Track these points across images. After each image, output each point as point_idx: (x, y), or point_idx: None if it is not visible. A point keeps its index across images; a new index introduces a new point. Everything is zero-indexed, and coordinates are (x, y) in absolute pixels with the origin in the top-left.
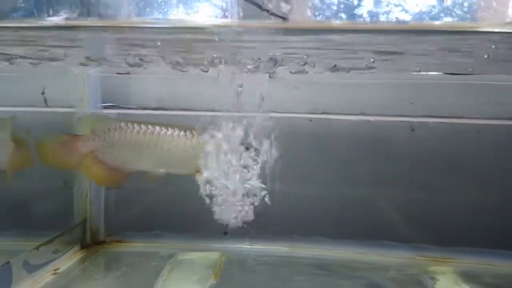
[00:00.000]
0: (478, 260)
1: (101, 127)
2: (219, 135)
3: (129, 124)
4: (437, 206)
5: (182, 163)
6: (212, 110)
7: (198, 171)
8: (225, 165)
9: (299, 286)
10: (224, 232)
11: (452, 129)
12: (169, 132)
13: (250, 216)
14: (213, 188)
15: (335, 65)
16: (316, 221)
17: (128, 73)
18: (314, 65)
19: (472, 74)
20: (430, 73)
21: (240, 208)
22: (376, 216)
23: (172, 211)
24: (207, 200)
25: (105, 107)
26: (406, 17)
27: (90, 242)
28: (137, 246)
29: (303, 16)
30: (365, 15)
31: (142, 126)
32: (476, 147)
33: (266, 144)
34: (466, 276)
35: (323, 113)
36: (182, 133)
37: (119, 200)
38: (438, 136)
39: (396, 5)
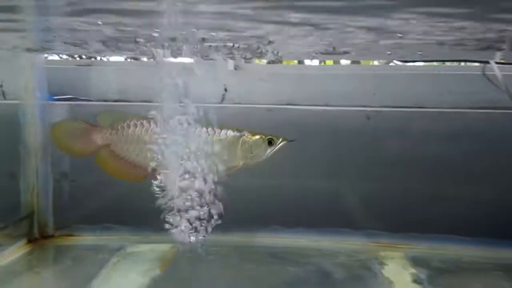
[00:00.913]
0: (429, 246)
1: (120, 122)
2: (177, 125)
3: (151, 122)
4: (390, 194)
5: (206, 160)
6: (173, 101)
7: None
8: (178, 158)
9: (248, 274)
10: (177, 224)
11: (410, 117)
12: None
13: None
14: (166, 181)
15: None
16: (271, 211)
17: (89, 65)
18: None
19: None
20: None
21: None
22: (330, 204)
23: (124, 204)
24: (160, 193)
25: (65, 99)
26: None
27: (38, 236)
28: (86, 239)
29: None
30: None
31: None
32: (430, 135)
33: None
34: (415, 261)
35: (287, 104)
36: (203, 129)
37: (69, 194)
38: (395, 124)
39: None
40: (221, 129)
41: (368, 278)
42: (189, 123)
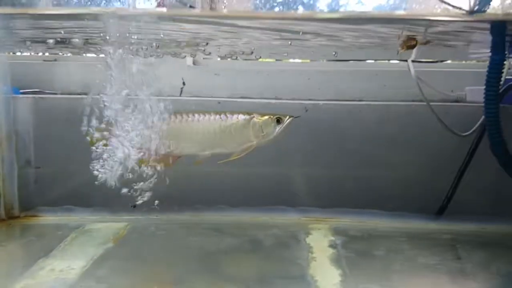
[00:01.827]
0: (351, 219)
1: None
2: (135, 116)
3: (171, 115)
4: (321, 176)
5: (223, 142)
6: (136, 94)
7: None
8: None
9: (189, 243)
10: (132, 205)
11: (346, 110)
12: (206, 118)
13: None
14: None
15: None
16: (218, 192)
17: (55, 60)
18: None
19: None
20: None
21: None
22: (272, 186)
23: (84, 187)
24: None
25: (30, 92)
26: None
27: (5, 217)
28: (48, 219)
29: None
30: None
31: (183, 115)
32: (360, 124)
33: None
34: (336, 231)
35: (241, 97)
36: (217, 116)
37: (33, 179)
38: (329, 116)
39: None
40: (233, 114)
41: (293, 244)
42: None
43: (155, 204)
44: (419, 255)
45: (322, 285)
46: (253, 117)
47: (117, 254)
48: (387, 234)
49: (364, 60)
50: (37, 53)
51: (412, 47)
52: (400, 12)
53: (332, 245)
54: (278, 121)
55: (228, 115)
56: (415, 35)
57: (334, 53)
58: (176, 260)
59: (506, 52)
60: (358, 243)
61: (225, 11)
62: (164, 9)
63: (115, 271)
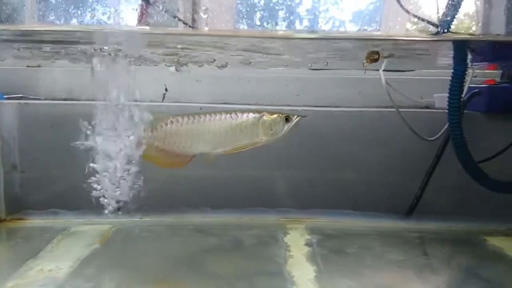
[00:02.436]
0: (327, 219)
1: (158, 122)
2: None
3: (184, 117)
4: (299, 178)
5: (234, 141)
6: (118, 100)
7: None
8: (117, 150)
9: (173, 244)
10: (117, 208)
11: (322, 115)
12: (217, 117)
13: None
14: (105, 171)
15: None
16: (201, 195)
17: (39, 66)
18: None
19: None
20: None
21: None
22: (252, 188)
23: (70, 191)
24: (101, 181)
25: (15, 98)
26: None
27: None
28: (35, 222)
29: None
30: None
31: (196, 116)
32: (335, 129)
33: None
34: (312, 230)
35: (224, 103)
36: (228, 116)
37: (19, 183)
38: (306, 121)
39: None
40: (243, 113)
41: (271, 243)
42: None
43: (140, 207)
44: (388, 252)
45: (298, 281)
46: (263, 115)
47: (104, 254)
48: (360, 232)
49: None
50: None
51: (375, 60)
52: (376, 33)
53: (308, 244)
54: (287, 119)
55: (238, 114)
56: (377, 50)
57: (326, 63)
58: (161, 259)
59: (468, 63)
60: (333, 241)
61: (206, 29)
62: (147, 28)
63: (102, 270)
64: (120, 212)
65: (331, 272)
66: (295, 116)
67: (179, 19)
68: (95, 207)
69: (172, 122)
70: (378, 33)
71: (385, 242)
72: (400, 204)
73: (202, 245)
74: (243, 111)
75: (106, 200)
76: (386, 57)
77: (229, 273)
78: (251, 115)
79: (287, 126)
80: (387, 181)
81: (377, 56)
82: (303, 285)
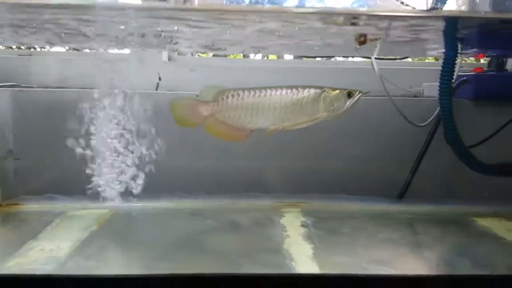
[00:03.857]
0: (321, 203)
1: (220, 94)
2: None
3: (245, 90)
4: (293, 165)
5: (294, 116)
6: (111, 88)
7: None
8: (115, 138)
9: (171, 225)
10: (115, 193)
11: None
12: (278, 92)
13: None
14: (102, 157)
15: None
16: (198, 181)
17: (30, 55)
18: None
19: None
20: None
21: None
22: (247, 175)
23: (67, 177)
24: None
25: (8, 86)
26: None
27: None
28: (32, 207)
29: None
30: None
31: (256, 91)
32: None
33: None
34: (308, 213)
35: (184, 97)
36: (289, 91)
37: (14, 169)
38: None
39: None
40: (304, 88)
41: (268, 224)
42: None
43: (136, 192)
44: (381, 231)
45: (296, 257)
46: (324, 91)
47: (103, 235)
48: (353, 215)
49: (332, 56)
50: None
51: (363, 43)
52: (363, 9)
53: (304, 225)
54: (349, 95)
55: (300, 89)
56: (365, 32)
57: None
58: (160, 239)
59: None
60: (327, 223)
61: (196, 4)
62: (139, 2)
63: (102, 250)
64: (117, 197)
65: (327, 250)
66: (357, 92)
67: None
68: (91, 193)
69: (233, 95)
70: (364, 9)
71: (378, 223)
72: (391, 188)
73: (200, 226)
74: (304, 86)
75: (102, 185)
76: (374, 40)
77: (229, 250)
78: (313, 90)
79: (349, 102)
80: (379, 167)
81: (364, 38)
82: (301, 261)
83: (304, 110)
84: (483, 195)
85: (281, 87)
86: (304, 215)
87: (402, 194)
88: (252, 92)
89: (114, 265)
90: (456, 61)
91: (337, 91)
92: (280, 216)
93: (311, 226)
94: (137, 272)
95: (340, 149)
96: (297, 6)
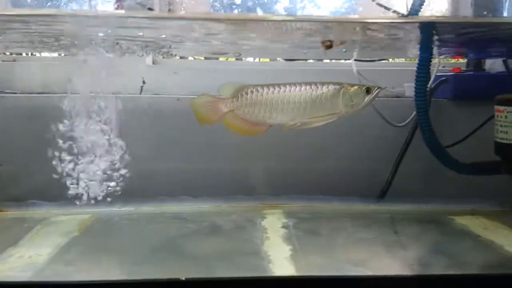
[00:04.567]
0: (303, 204)
1: (239, 91)
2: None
3: (264, 87)
4: (277, 168)
5: (313, 112)
6: (95, 93)
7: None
8: (95, 141)
9: (152, 230)
10: (97, 198)
11: None
12: (297, 88)
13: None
14: (82, 162)
15: None
16: (182, 185)
17: (14, 60)
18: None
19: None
20: None
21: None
22: (230, 177)
23: (49, 183)
24: (79, 173)
25: None
26: None
27: None
28: (13, 214)
29: None
30: None
31: (276, 87)
32: None
33: (134, 120)
34: (289, 214)
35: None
36: (308, 87)
37: None
38: None
39: None
40: (323, 84)
41: (249, 227)
42: None
43: (119, 197)
44: (359, 231)
45: (274, 259)
46: (343, 86)
47: (83, 241)
48: (333, 215)
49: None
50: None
51: (329, 47)
52: (349, 16)
53: (285, 226)
54: (368, 91)
55: (318, 85)
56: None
57: (305, 51)
58: (140, 243)
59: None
60: (308, 224)
61: (182, 12)
62: (122, 11)
63: (82, 255)
64: (99, 202)
65: (305, 251)
66: (376, 88)
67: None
68: (74, 198)
69: (252, 91)
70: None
71: (357, 223)
72: (372, 188)
73: (181, 230)
74: (323, 83)
75: (84, 191)
76: (339, 44)
77: (207, 253)
78: (332, 86)
79: (367, 98)
80: (360, 167)
81: (330, 43)
82: (278, 262)
83: (323, 106)
84: (461, 193)
85: (300, 83)
86: (286, 217)
87: (383, 194)
88: (271, 88)
89: (92, 271)
90: (432, 62)
91: (356, 87)
92: (262, 218)
93: (292, 227)
94: (114, 278)
95: (324, 150)
96: (287, 14)
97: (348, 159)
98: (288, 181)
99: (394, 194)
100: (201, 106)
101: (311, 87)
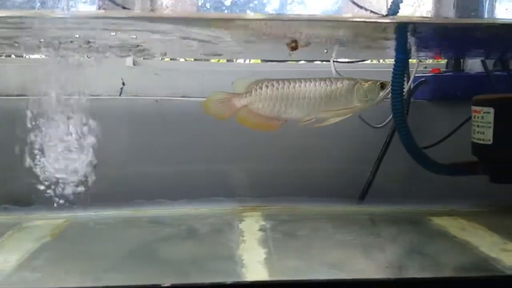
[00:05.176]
0: (282, 206)
1: (252, 86)
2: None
3: (278, 81)
4: (257, 169)
5: (328, 107)
6: (72, 95)
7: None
8: (70, 145)
9: (127, 235)
10: (71, 202)
11: None
12: (312, 83)
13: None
14: (57, 165)
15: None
16: (160, 188)
17: None
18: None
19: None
20: None
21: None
22: (210, 180)
23: (22, 187)
24: (53, 177)
25: None
26: None
27: None
28: None
29: None
30: None
31: (291, 81)
32: None
33: (111, 123)
34: (268, 216)
35: (182, 96)
36: (322, 82)
37: None
38: None
39: None
40: (337, 80)
41: (226, 230)
42: None
43: (95, 201)
44: (338, 233)
45: (248, 263)
46: (358, 82)
47: (54, 247)
48: (313, 217)
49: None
50: None
51: (294, 48)
52: (321, 15)
53: (262, 229)
54: (382, 86)
55: (333, 81)
56: (295, 38)
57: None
58: (113, 249)
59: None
60: (286, 226)
61: (166, 11)
62: (102, 11)
63: (51, 261)
64: (74, 207)
65: (280, 254)
66: (390, 83)
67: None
68: (48, 203)
69: (267, 86)
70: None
71: (337, 224)
72: (353, 190)
73: (157, 234)
74: (337, 78)
75: (59, 195)
76: (305, 45)
77: (180, 258)
78: (346, 81)
79: (382, 93)
80: (341, 169)
81: (295, 44)
82: (252, 266)
83: (338, 101)
84: (440, 194)
85: (315, 79)
86: (264, 219)
87: (363, 196)
88: (285, 83)
89: (60, 277)
90: (411, 63)
91: (370, 82)
92: (239, 221)
93: (269, 230)
94: (80, 285)
95: (304, 152)
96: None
97: (328, 160)
98: (268, 183)
99: (375, 195)
100: (214, 103)
101: (325, 82)
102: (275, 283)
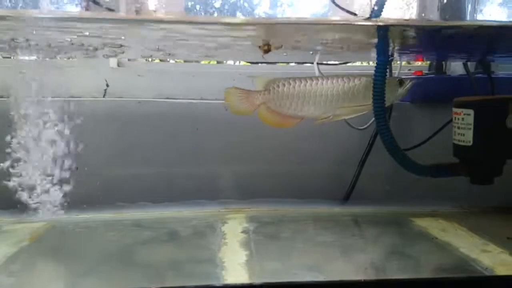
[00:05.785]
0: (266, 208)
1: (271, 84)
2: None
3: (296, 80)
4: (240, 171)
5: (345, 104)
6: (54, 96)
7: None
8: (52, 148)
9: (107, 238)
10: (50, 205)
11: None
12: (329, 81)
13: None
14: (37, 167)
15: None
16: (142, 190)
17: None
18: None
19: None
20: None
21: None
22: (193, 182)
23: (2, 190)
24: (33, 179)
25: None
26: None
27: None
28: None
29: None
30: None
31: (308, 80)
32: None
33: (93, 124)
34: (251, 218)
35: (167, 98)
36: (340, 79)
37: None
38: (251, 116)
39: None
40: (355, 77)
41: (208, 233)
42: None
43: (76, 204)
44: (320, 234)
45: (228, 265)
46: None
47: (32, 251)
48: (296, 219)
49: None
50: None
51: (267, 51)
52: (295, 19)
53: (245, 231)
54: (401, 83)
55: (351, 78)
56: (268, 40)
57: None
58: (91, 252)
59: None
60: (269, 228)
61: (155, 14)
62: (88, 12)
63: (27, 266)
64: (54, 210)
65: (261, 256)
66: (409, 80)
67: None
68: (28, 206)
69: (284, 84)
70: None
71: (320, 226)
72: (337, 191)
73: (137, 238)
74: (355, 75)
75: (39, 198)
76: (278, 48)
77: (159, 262)
78: (364, 78)
79: (400, 89)
80: (325, 170)
81: (268, 47)
82: (232, 269)
83: (356, 98)
84: (423, 195)
85: (332, 76)
86: (248, 221)
87: (347, 197)
88: (303, 81)
89: (36, 282)
90: (393, 65)
91: (389, 79)
92: (222, 223)
93: (252, 232)
94: None
95: (288, 153)
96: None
97: (312, 162)
98: (252, 185)
99: (358, 197)
100: (234, 97)
101: (343, 80)
102: (253, 285)
